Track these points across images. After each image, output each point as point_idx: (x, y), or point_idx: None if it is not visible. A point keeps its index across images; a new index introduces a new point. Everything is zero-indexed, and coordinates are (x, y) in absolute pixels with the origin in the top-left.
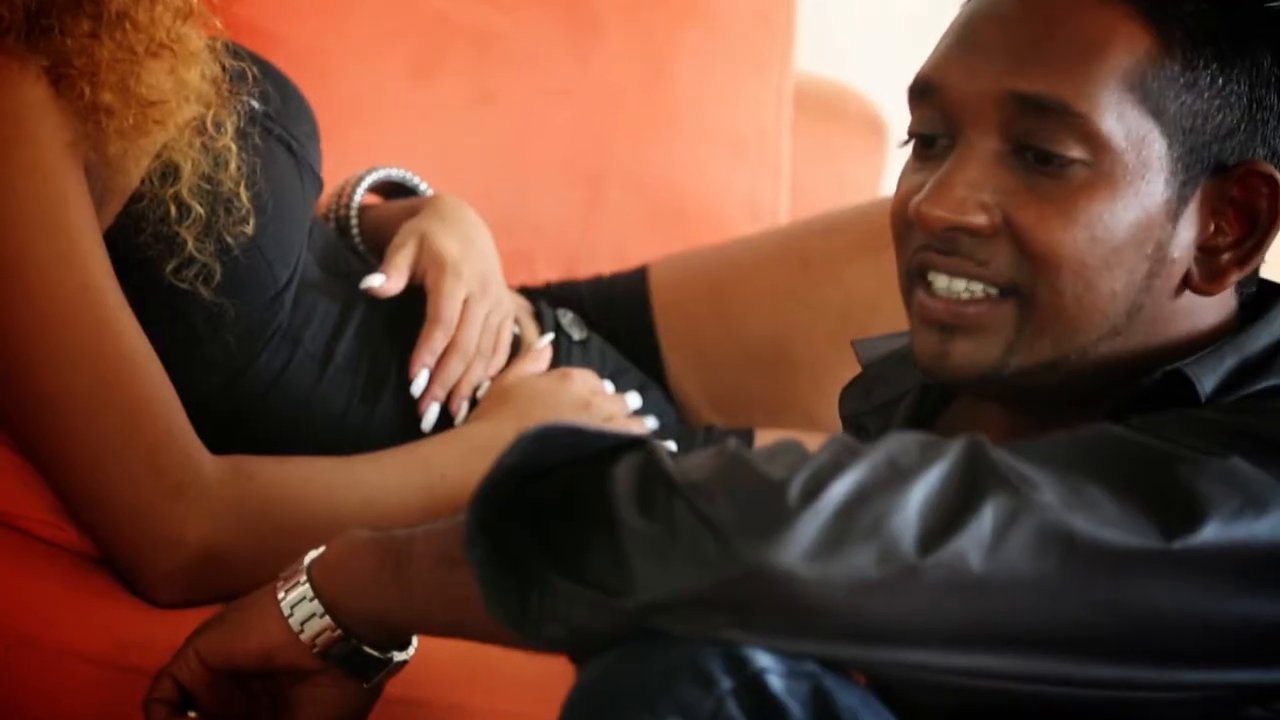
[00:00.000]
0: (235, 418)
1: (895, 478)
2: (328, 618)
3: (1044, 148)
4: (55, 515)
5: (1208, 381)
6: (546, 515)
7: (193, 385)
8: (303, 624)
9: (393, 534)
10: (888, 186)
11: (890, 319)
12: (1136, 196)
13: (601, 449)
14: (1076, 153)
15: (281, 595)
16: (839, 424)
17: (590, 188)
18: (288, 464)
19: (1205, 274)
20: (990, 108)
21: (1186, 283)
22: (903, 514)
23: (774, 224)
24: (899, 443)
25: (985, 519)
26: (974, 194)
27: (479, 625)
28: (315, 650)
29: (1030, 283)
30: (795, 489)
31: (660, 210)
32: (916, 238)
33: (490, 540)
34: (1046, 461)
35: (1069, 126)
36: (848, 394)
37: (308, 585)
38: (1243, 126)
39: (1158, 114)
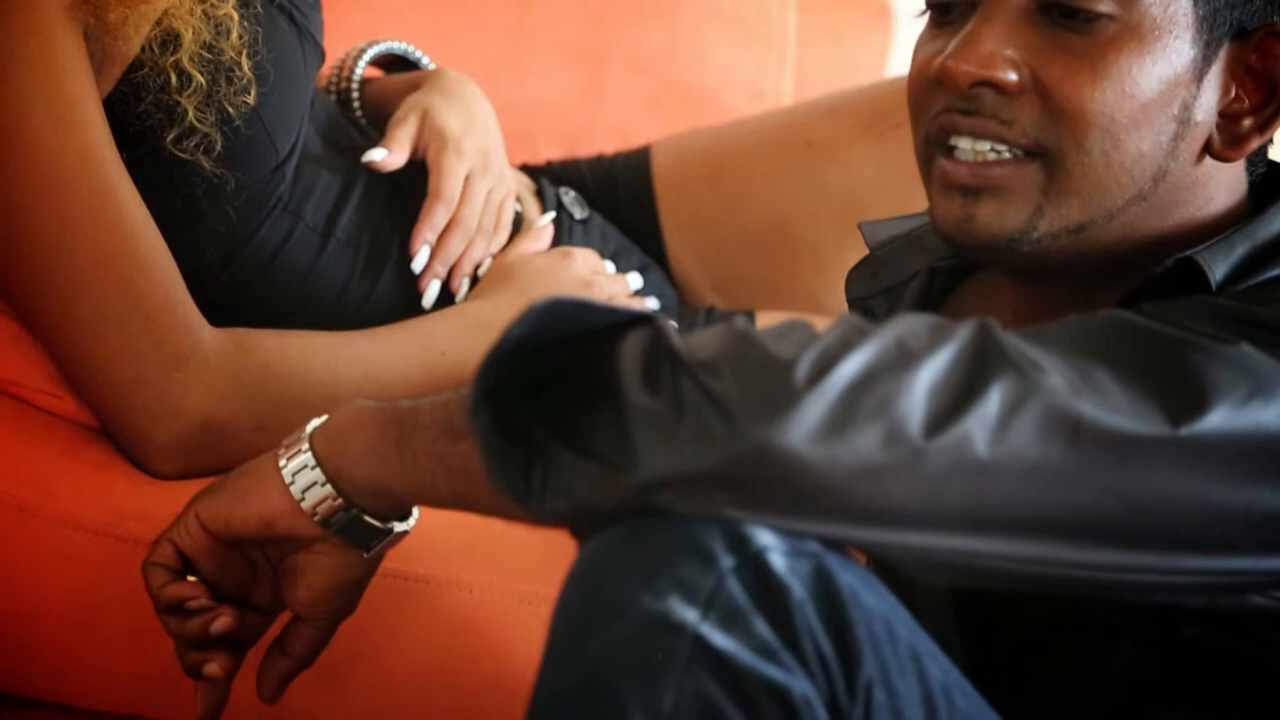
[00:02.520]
0: (235, 291)
1: (903, 359)
2: (329, 486)
3: (1071, 2)
4: (55, 385)
5: (1219, 269)
6: (552, 389)
7: (193, 257)
8: (304, 492)
9: (397, 404)
10: (893, 69)
11: (894, 201)
12: (1164, 52)
13: (609, 324)
14: (1105, 6)
15: (283, 463)
16: (841, 306)
17: (593, 67)
18: (288, 337)
19: (1227, 139)
20: None
21: (1208, 149)
22: (910, 396)
23: (778, 105)
24: (908, 324)
25: (992, 402)
26: (1001, 49)
27: (481, 498)
28: (316, 518)
29: (1056, 143)
30: (803, 368)
31: (663, 91)
32: (938, 101)
33: (495, 412)
34: (1055, 346)
35: None
36: (854, 276)
37: (309, 454)
38: None
39: None
